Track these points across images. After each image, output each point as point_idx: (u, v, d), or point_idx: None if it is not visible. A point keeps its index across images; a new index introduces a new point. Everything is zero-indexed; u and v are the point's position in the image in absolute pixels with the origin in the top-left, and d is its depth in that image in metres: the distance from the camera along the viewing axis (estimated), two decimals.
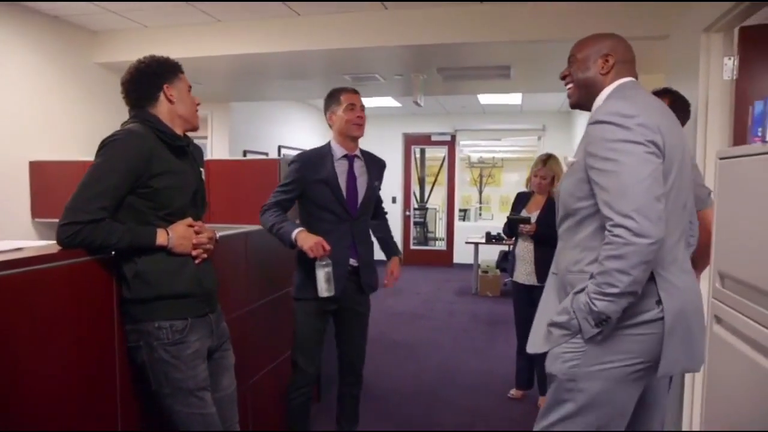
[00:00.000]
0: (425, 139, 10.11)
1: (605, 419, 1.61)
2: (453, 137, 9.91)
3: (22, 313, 1.50)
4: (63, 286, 1.64)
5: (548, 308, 1.76)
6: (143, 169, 1.75)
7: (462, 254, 9.42)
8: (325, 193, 2.51)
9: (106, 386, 1.80)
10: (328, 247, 2.39)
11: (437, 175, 10.83)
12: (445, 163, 10.14)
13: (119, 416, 1.84)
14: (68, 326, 1.65)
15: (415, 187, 10.54)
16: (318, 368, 2.69)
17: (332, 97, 2.59)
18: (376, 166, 2.70)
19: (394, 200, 9.97)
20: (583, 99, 1.75)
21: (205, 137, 6.77)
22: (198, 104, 1.99)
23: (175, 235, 1.80)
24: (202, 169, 2.03)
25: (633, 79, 1.71)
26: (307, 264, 2.49)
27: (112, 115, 4.62)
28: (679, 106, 2.61)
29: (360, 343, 2.77)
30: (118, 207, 1.74)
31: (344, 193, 2.54)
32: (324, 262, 2.39)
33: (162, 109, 1.88)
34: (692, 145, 2.86)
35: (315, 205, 2.54)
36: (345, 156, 2.59)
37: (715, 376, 1.76)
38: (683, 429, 2.76)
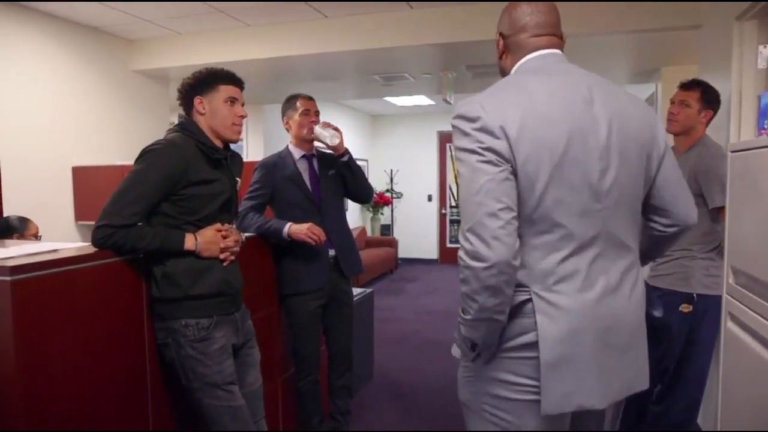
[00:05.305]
0: None
1: None
2: None
3: (57, 311, 1.58)
4: (96, 285, 1.73)
5: None
6: (178, 179, 1.83)
7: None
8: (292, 190, 2.71)
9: (137, 381, 1.88)
10: (318, 229, 2.56)
11: None
12: None
13: (150, 410, 1.92)
14: (101, 324, 1.74)
15: (452, 185, 10.48)
16: (319, 355, 2.81)
17: (289, 103, 2.80)
18: (328, 160, 2.84)
19: (429, 198, 9.96)
20: None
21: (241, 139, 6.91)
22: (241, 116, 2.01)
23: (203, 240, 1.88)
24: (238, 179, 2.09)
25: (535, 54, 1.40)
26: (292, 259, 2.68)
27: (149, 120, 4.81)
28: (709, 98, 2.55)
29: (349, 331, 2.89)
30: (151, 213, 1.83)
31: (309, 188, 2.73)
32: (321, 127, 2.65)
33: (200, 119, 1.97)
34: (725, 136, 2.78)
35: (285, 204, 2.71)
36: (304, 156, 2.79)
37: (729, 374, 1.73)
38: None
